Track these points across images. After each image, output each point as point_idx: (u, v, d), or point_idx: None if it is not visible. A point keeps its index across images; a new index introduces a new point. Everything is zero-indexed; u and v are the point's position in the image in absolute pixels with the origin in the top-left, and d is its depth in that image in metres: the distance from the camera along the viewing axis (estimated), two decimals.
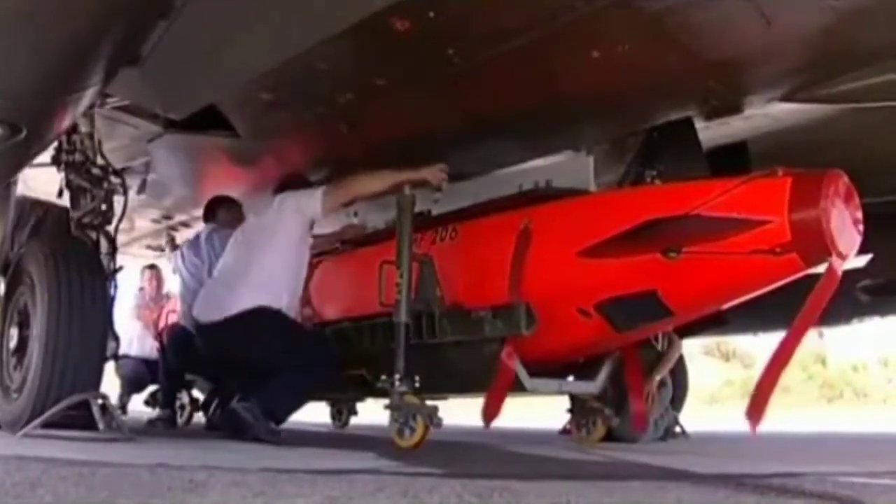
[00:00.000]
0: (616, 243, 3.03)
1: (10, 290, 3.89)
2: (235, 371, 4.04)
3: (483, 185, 3.83)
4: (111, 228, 3.94)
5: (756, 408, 2.58)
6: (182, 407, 5.58)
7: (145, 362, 6.37)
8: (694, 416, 6.37)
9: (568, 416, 4.43)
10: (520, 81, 3.17)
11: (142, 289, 6.93)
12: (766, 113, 3.38)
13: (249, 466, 2.16)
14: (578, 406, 4.15)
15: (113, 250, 3.93)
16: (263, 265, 3.82)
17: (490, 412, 3.30)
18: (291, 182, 4.10)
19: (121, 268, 3.99)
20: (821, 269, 2.70)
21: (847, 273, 2.75)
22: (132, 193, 4.42)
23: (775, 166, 2.80)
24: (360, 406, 6.07)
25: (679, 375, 5.18)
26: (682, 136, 3.40)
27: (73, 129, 3.78)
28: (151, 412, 5.60)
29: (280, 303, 3.80)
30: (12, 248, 4.43)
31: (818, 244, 2.66)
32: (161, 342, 5.45)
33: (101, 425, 3.30)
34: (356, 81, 3.33)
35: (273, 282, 3.81)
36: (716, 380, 20.91)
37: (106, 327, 3.61)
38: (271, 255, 3.83)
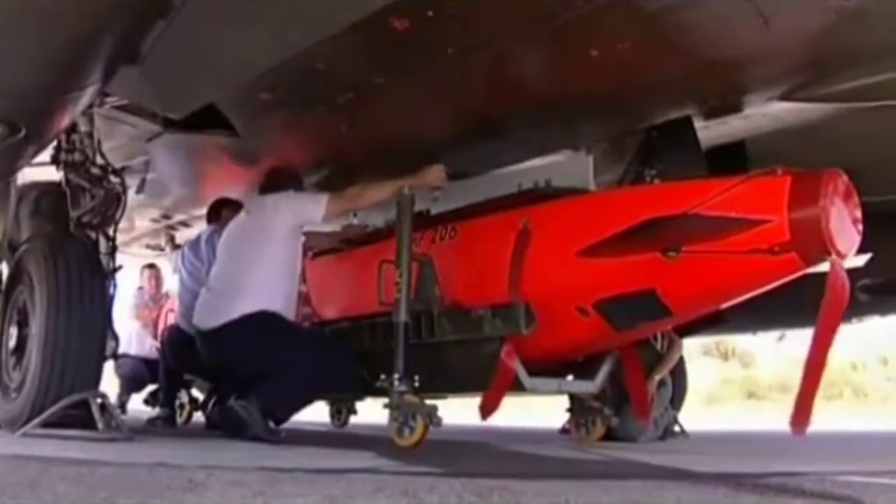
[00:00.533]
0: (615, 242, 3.02)
1: (9, 289, 3.89)
2: (237, 375, 4.03)
3: (483, 184, 3.82)
4: (110, 228, 3.93)
5: (800, 415, 2.55)
6: (181, 406, 5.58)
7: (145, 361, 6.38)
8: (693, 416, 6.36)
9: (567, 416, 4.43)
10: (519, 81, 3.16)
11: (141, 288, 6.93)
12: (765, 112, 3.37)
13: (249, 466, 2.16)
14: (578, 405, 4.15)
15: (112, 249, 3.93)
16: (258, 268, 3.81)
17: (488, 407, 3.30)
18: (277, 178, 4.10)
19: (120, 267, 3.98)
20: (820, 268, 2.69)
21: (846, 272, 2.74)
22: (132, 193, 4.42)
23: (774, 165, 2.80)
24: (359, 406, 6.07)
25: (678, 375, 5.19)
26: (681, 136, 3.40)
27: (73, 128, 3.77)
28: (151, 411, 5.59)
29: (277, 305, 3.79)
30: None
31: (817, 243, 2.65)
32: (161, 341, 5.44)
33: (100, 425, 3.30)
34: (355, 81, 3.32)
35: (268, 284, 3.79)
36: (714, 379, 20.90)
37: (105, 326, 3.61)
38: (264, 257, 3.82)
